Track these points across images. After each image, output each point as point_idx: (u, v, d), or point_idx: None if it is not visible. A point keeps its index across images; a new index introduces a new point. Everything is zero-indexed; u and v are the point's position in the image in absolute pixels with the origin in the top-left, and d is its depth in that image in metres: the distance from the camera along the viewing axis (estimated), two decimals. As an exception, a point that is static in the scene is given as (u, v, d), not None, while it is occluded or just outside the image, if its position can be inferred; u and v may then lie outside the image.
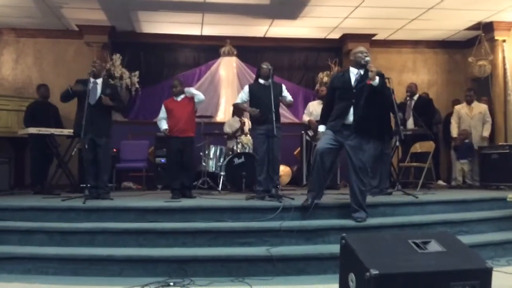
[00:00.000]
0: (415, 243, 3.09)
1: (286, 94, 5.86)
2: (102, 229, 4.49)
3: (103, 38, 8.58)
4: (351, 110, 4.63)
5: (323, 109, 5.07)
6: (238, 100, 5.98)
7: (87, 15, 7.91)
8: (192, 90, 6.05)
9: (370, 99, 4.62)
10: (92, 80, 5.60)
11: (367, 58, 4.69)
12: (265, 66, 5.70)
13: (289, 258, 4.10)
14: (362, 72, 4.72)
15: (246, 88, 5.90)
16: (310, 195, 4.74)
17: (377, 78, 4.56)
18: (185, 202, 5.15)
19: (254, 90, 5.77)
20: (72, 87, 5.66)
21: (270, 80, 5.62)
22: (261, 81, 5.74)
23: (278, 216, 4.64)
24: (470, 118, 7.88)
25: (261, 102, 5.57)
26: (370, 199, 4.96)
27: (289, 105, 6.36)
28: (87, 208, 4.87)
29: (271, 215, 4.65)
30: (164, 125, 5.94)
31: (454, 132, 7.93)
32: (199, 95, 5.95)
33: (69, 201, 5.23)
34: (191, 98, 6.00)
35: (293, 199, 5.24)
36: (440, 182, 8.44)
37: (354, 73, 4.75)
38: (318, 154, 4.66)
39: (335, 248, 4.01)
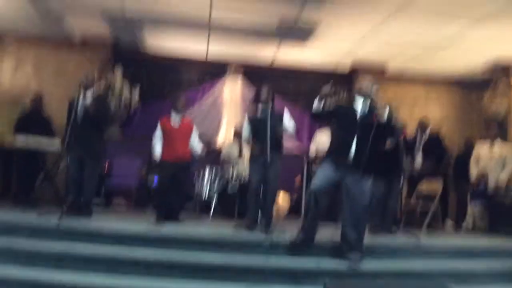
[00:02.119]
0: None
1: (287, 122, 5.44)
2: (71, 252, 4.14)
3: (106, 52, 8.36)
4: (354, 143, 4.29)
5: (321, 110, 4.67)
6: (246, 134, 5.60)
7: (90, 28, 7.72)
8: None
9: (376, 135, 4.26)
10: (82, 92, 5.33)
11: (375, 86, 4.38)
12: (264, 89, 5.37)
13: (271, 301, 3.70)
14: (368, 102, 4.38)
15: (246, 120, 5.61)
16: (301, 235, 4.35)
17: (386, 112, 4.21)
18: (166, 229, 4.76)
19: (252, 119, 5.49)
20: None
21: (268, 105, 5.27)
22: (260, 106, 5.40)
23: (264, 252, 4.25)
24: (489, 159, 7.28)
25: (259, 131, 5.20)
26: (370, 238, 4.55)
27: (290, 135, 5.93)
28: (61, 228, 4.52)
29: (257, 250, 4.26)
30: (157, 149, 5.61)
31: (474, 174, 7.31)
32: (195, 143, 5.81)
33: (44, 217, 4.88)
34: (190, 123, 5.79)
35: (284, 232, 4.85)
36: (449, 222, 7.99)
37: (360, 103, 4.42)
38: (313, 194, 4.28)
39: (324, 294, 3.64)
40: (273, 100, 5.44)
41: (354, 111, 4.41)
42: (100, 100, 5.77)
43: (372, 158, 4.27)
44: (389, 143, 4.46)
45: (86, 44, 8.32)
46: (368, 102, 4.41)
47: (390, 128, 4.37)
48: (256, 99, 5.47)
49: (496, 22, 6.28)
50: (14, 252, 4.15)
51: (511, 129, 8.20)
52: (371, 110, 4.36)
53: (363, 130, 4.29)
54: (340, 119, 4.50)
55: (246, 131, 5.56)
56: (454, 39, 7.06)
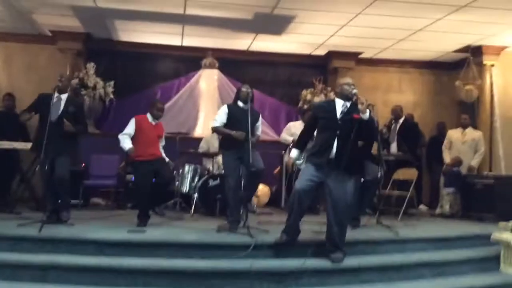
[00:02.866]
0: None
1: (260, 125, 5.51)
2: (56, 264, 4.10)
3: (78, 45, 8.19)
4: (335, 142, 4.35)
5: (301, 135, 4.81)
6: (217, 124, 5.32)
7: (61, 21, 7.52)
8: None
9: (356, 134, 4.32)
10: (56, 95, 5.20)
11: (355, 91, 4.42)
12: (244, 89, 5.33)
13: (258, 306, 3.78)
14: (348, 104, 4.44)
15: (225, 108, 5.37)
16: (285, 235, 4.42)
17: (367, 111, 4.28)
18: (150, 234, 4.75)
19: (233, 111, 5.29)
20: (20, 116, 5.33)
21: (248, 105, 5.27)
22: (240, 104, 5.37)
23: (249, 254, 4.30)
24: (461, 143, 7.51)
25: (238, 126, 5.17)
26: (348, 236, 4.64)
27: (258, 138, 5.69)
28: (42, 238, 4.46)
29: (241, 253, 4.31)
30: (128, 144, 5.39)
31: (447, 158, 7.54)
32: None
33: (25, 227, 4.82)
34: (163, 129, 5.74)
35: (267, 231, 4.92)
36: (422, 207, 8.22)
37: (340, 105, 4.47)
38: (297, 194, 4.32)
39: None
40: (252, 98, 5.42)
41: (334, 112, 4.45)
42: (80, 106, 5.64)
43: (354, 157, 4.34)
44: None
45: (57, 37, 8.13)
46: (348, 103, 4.46)
47: (370, 127, 4.42)
48: (237, 96, 5.44)
49: (468, 10, 6.37)
50: (-3, 266, 4.11)
51: (482, 112, 8.39)
52: (351, 111, 4.40)
53: (344, 130, 4.34)
54: (320, 120, 4.55)
55: (222, 117, 5.30)
56: (428, 25, 7.13)
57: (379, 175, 5.48)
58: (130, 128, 5.51)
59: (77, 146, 5.58)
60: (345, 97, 4.45)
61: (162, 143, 5.73)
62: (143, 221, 5.33)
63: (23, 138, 6.70)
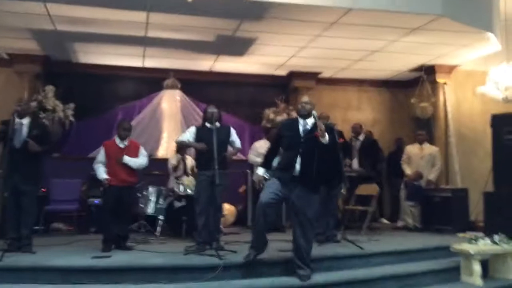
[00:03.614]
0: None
1: (235, 139, 5.53)
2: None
3: (36, 68, 8.03)
4: (298, 160, 4.45)
5: (267, 154, 4.92)
6: (183, 138, 5.51)
7: (18, 44, 7.37)
8: (129, 159, 5.52)
9: (318, 151, 4.44)
10: (17, 120, 5.08)
11: (308, 106, 4.59)
12: (210, 109, 5.40)
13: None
14: (309, 122, 4.58)
15: (193, 128, 5.50)
16: (253, 250, 4.46)
17: (326, 135, 4.40)
18: (115, 259, 4.68)
19: (200, 133, 5.39)
20: None
21: (216, 124, 5.31)
22: (207, 125, 5.41)
23: (218, 276, 4.30)
24: (420, 158, 7.75)
25: (206, 147, 5.24)
26: (314, 251, 4.71)
27: (237, 151, 5.94)
28: (4, 267, 4.33)
29: (210, 275, 4.31)
30: (102, 173, 5.42)
31: (407, 170, 7.74)
32: (137, 164, 5.57)
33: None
34: (137, 146, 5.66)
35: (235, 252, 4.93)
36: (383, 221, 8.43)
37: (302, 124, 4.60)
38: (261, 208, 4.39)
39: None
40: (220, 118, 5.49)
41: (297, 130, 4.57)
42: (43, 128, 5.54)
43: (314, 173, 4.44)
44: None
45: (14, 60, 7.96)
46: (309, 121, 4.59)
47: (333, 147, 4.55)
48: (204, 117, 5.49)
49: (421, 32, 6.69)
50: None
51: (437, 128, 8.74)
52: (313, 128, 4.53)
53: (306, 148, 4.46)
54: (284, 138, 4.65)
55: (188, 135, 5.45)
56: (383, 47, 7.43)
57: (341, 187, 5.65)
58: (101, 156, 5.54)
59: (42, 171, 5.46)
60: (302, 115, 4.61)
61: (135, 160, 5.56)
62: (108, 246, 5.24)
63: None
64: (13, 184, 5.04)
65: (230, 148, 5.51)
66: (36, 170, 5.25)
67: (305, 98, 4.77)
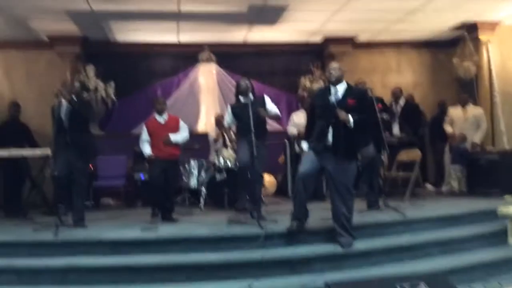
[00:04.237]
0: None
1: (270, 107, 5.57)
2: (75, 266, 4.22)
3: (76, 49, 8.23)
4: (330, 130, 4.42)
5: (306, 126, 4.90)
6: (226, 124, 5.88)
7: (57, 26, 7.55)
8: (175, 137, 5.72)
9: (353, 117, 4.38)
10: (63, 101, 5.32)
11: (335, 73, 4.52)
12: (242, 83, 5.45)
13: (273, 293, 3.89)
14: (340, 90, 4.51)
15: (229, 108, 5.68)
16: (295, 221, 4.52)
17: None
18: (163, 232, 4.87)
19: (236, 110, 5.53)
20: None
21: (250, 97, 5.36)
22: (241, 99, 5.48)
23: (260, 245, 4.40)
24: (463, 121, 7.50)
25: (244, 122, 5.30)
26: (356, 219, 4.74)
27: (275, 118, 6.06)
28: (59, 242, 4.59)
29: (253, 244, 4.41)
30: (147, 149, 5.66)
31: (450, 129, 7.52)
32: (181, 138, 5.75)
33: (40, 232, 4.93)
34: (176, 119, 5.82)
35: (276, 222, 5.01)
36: (428, 186, 8.29)
37: (334, 92, 4.53)
38: (300, 180, 4.44)
39: (320, 280, 3.85)
40: (253, 90, 5.53)
41: (327, 99, 4.52)
42: (83, 103, 5.75)
43: (348, 141, 4.40)
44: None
45: (54, 42, 8.16)
46: (341, 87, 4.52)
47: (365, 107, 4.49)
48: (237, 92, 5.55)
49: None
50: (15, 272, 4.21)
51: (481, 88, 8.42)
52: (346, 95, 4.47)
53: (337, 115, 4.37)
54: (316, 108, 4.63)
55: (228, 118, 5.65)
56: (421, 5, 7.14)
57: (372, 154, 5.60)
58: (144, 134, 5.77)
59: (92, 148, 5.71)
60: (331, 82, 4.55)
61: (182, 133, 5.77)
62: (155, 219, 5.46)
63: (30, 145, 6.80)
64: (66, 161, 5.28)
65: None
66: (86, 146, 5.47)
67: (333, 64, 4.69)
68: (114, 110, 8.57)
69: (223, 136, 7.23)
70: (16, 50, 8.34)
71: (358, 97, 4.52)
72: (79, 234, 4.89)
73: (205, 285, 4.04)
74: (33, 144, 6.93)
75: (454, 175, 7.41)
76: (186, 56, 8.88)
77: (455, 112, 7.68)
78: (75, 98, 5.42)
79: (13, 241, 4.69)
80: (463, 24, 8.21)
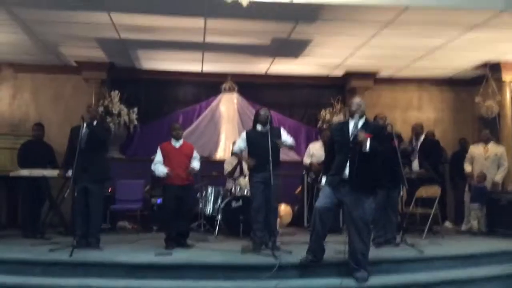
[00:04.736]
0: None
1: (286, 138, 5.66)
2: (88, 287, 4.24)
3: (102, 75, 8.46)
4: (347, 164, 4.41)
5: (325, 160, 4.92)
6: (236, 149, 5.80)
7: (85, 53, 7.80)
8: (193, 165, 5.82)
9: (368, 154, 4.37)
10: (85, 124, 5.46)
11: (356, 108, 4.54)
12: (263, 112, 5.54)
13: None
14: (360, 123, 4.53)
15: (244, 135, 5.71)
16: (310, 254, 4.49)
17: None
18: (177, 257, 4.88)
19: (251, 137, 5.58)
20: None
21: (267, 127, 5.43)
22: (259, 127, 5.56)
23: (274, 275, 4.37)
24: (484, 159, 7.42)
25: (258, 150, 5.37)
26: (372, 254, 4.67)
27: (290, 148, 6.12)
28: (74, 262, 4.64)
29: (266, 274, 4.38)
30: (162, 169, 5.68)
31: (469, 168, 7.47)
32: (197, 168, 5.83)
33: (56, 252, 4.98)
34: (191, 147, 5.92)
35: (291, 252, 4.98)
36: (448, 224, 8.13)
37: (351, 126, 4.55)
38: (317, 215, 4.43)
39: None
40: (271, 120, 5.60)
41: (346, 133, 4.53)
42: (101, 128, 5.87)
43: (365, 176, 4.38)
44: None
45: (82, 68, 8.40)
46: (360, 122, 4.54)
47: (376, 153, 4.43)
48: (255, 119, 5.62)
49: (484, 28, 6.41)
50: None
51: (504, 127, 8.33)
52: (362, 128, 4.48)
53: (356, 150, 4.37)
54: (335, 142, 4.64)
55: (241, 143, 5.67)
56: (444, 44, 7.18)
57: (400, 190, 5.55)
58: (158, 156, 5.84)
59: (108, 173, 5.80)
60: (357, 113, 4.55)
61: (194, 163, 5.83)
62: (170, 244, 5.46)
63: (51, 166, 6.93)
64: (82, 185, 5.40)
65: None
66: (102, 171, 5.59)
67: (356, 99, 4.75)
68: (135, 135, 8.72)
69: (240, 164, 7.27)
70: (44, 73, 8.63)
71: (375, 132, 4.52)
72: (94, 255, 4.93)
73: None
74: (55, 165, 7.07)
75: (473, 214, 7.27)
76: (209, 85, 9.05)
77: (476, 149, 7.61)
78: (94, 123, 5.56)
79: (30, 259, 4.75)
80: (486, 64, 8.20)
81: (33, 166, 6.55)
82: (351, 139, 4.43)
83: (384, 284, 4.45)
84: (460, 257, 5.21)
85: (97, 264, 4.63)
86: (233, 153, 5.94)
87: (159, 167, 5.73)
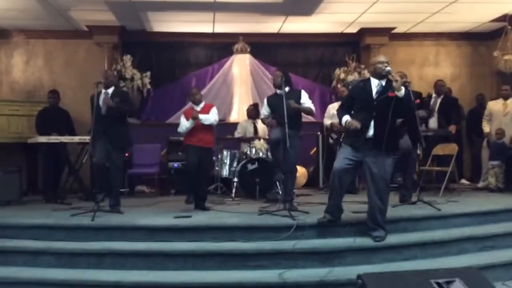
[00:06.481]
0: (438, 283, 2.86)
1: (305, 101, 5.58)
2: (110, 250, 4.35)
3: (113, 38, 8.39)
4: (372, 123, 4.36)
5: (340, 107, 4.76)
6: (262, 116, 5.96)
7: (96, 16, 7.72)
8: (202, 116, 5.70)
9: (393, 112, 4.31)
10: (103, 91, 5.49)
11: (388, 69, 4.39)
12: (277, 78, 5.50)
13: (303, 284, 3.89)
14: (383, 83, 4.43)
15: (265, 101, 5.80)
16: (328, 215, 4.51)
17: (402, 88, 4.25)
18: (195, 219, 4.94)
19: (271, 101, 5.65)
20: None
21: (283, 89, 5.37)
22: (278, 91, 5.55)
23: (292, 235, 4.42)
24: (503, 115, 7.30)
25: (278, 113, 5.36)
26: (389, 213, 4.68)
27: (308, 113, 5.99)
28: (96, 227, 4.73)
29: (284, 234, 4.44)
30: (185, 122, 5.62)
31: (486, 129, 7.39)
32: (209, 120, 5.71)
33: (78, 216, 5.09)
34: (210, 106, 5.85)
35: (307, 213, 5.02)
36: (463, 181, 8.11)
37: (375, 84, 4.45)
38: (336, 175, 4.39)
39: (352, 272, 3.82)
40: (290, 82, 5.55)
41: (370, 92, 4.44)
42: (124, 94, 5.88)
43: (389, 135, 4.33)
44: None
45: (93, 32, 8.34)
46: (383, 81, 4.45)
47: (407, 104, 4.38)
48: (274, 84, 5.61)
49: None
50: (54, 254, 4.38)
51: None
52: (386, 89, 4.39)
53: (380, 110, 4.33)
54: (356, 101, 4.56)
55: (264, 110, 5.75)
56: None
57: (407, 146, 5.50)
58: (183, 120, 5.76)
59: (128, 137, 5.80)
60: (379, 75, 4.44)
61: (206, 116, 5.69)
62: (190, 200, 5.57)
63: (69, 132, 7.00)
64: (103, 149, 5.44)
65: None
66: (122, 135, 5.61)
67: (382, 58, 4.55)
68: (149, 99, 8.72)
69: (255, 127, 7.25)
70: (56, 39, 8.60)
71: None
72: (115, 219, 5.02)
73: (236, 273, 4.09)
74: (72, 131, 7.14)
75: (491, 170, 7.21)
76: (221, 47, 8.94)
77: (495, 106, 7.47)
78: (114, 89, 5.56)
79: (52, 224, 4.85)
80: (505, 16, 7.94)
81: (51, 133, 6.61)
82: (375, 97, 4.36)
83: (401, 242, 4.46)
84: (477, 213, 5.19)
85: (118, 227, 4.71)
86: (261, 120, 6.08)
87: (183, 121, 5.68)
